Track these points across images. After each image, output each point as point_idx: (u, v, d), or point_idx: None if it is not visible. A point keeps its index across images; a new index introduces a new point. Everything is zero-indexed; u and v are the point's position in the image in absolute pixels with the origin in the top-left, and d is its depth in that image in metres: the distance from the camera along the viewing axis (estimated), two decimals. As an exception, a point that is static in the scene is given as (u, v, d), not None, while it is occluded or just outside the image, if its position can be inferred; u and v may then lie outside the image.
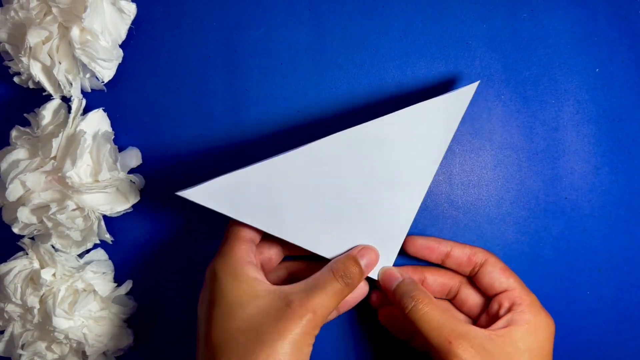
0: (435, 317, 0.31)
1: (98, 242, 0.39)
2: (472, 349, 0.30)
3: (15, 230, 0.37)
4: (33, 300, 0.36)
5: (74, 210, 0.36)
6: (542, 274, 0.39)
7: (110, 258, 0.40)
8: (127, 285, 0.40)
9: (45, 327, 0.37)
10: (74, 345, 0.37)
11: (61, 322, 0.36)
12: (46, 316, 0.36)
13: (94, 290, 0.37)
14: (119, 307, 0.39)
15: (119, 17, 0.38)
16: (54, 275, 0.37)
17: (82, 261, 0.39)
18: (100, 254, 0.40)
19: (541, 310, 0.33)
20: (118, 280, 0.40)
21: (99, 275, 0.39)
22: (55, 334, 0.36)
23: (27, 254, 0.38)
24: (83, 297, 0.37)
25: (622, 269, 0.39)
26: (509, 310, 0.33)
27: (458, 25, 0.39)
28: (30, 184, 0.36)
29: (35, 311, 0.36)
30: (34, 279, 0.37)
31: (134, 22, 0.39)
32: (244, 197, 0.31)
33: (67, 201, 0.36)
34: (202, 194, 0.31)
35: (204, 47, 0.39)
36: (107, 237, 0.38)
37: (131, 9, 0.38)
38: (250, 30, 0.39)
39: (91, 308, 0.37)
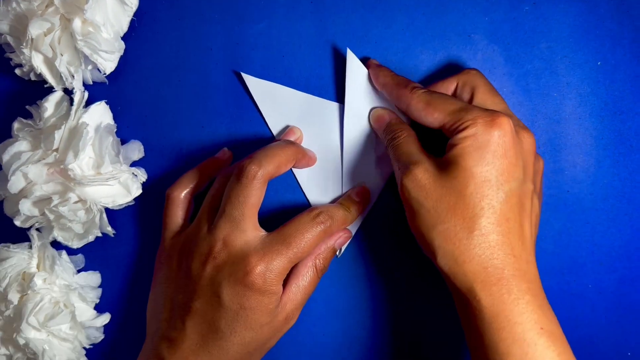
0: (402, 147, 0.34)
1: (100, 234, 0.39)
2: (421, 174, 0.31)
3: (17, 222, 0.37)
4: (14, 296, 0.37)
5: (76, 202, 0.36)
6: (543, 267, 0.38)
7: (111, 250, 0.40)
8: (105, 319, 0.40)
9: (12, 323, 0.37)
10: (28, 353, 0.37)
11: (29, 330, 0.36)
12: (18, 316, 0.36)
13: (73, 312, 0.37)
14: (86, 335, 0.39)
15: (120, 9, 0.38)
16: (44, 280, 0.37)
17: (76, 277, 0.39)
18: (95, 278, 0.40)
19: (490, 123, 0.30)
20: (112, 276, 0.40)
21: (85, 301, 0.39)
22: (18, 337, 0.36)
23: (30, 247, 0.38)
24: (61, 315, 0.36)
25: (624, 263, 0.39)
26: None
27: (460, 18, 0.39)
28: (32, 176, 0.36)
29: (11, 306, 0.36)
30: (24, 277, 0.37)
31: (135, 14, 0.39)
32: (282, 108, 0.39)
33: (69, 193, 0.36)
34: (258, 86, 0.39)
35: (206, 39, 0.39)
36: (109, 229, 0.38)
37: (133, 1, 0.38)
38: (252, 22, 0.39)
39: (62, 327, 0.37)
